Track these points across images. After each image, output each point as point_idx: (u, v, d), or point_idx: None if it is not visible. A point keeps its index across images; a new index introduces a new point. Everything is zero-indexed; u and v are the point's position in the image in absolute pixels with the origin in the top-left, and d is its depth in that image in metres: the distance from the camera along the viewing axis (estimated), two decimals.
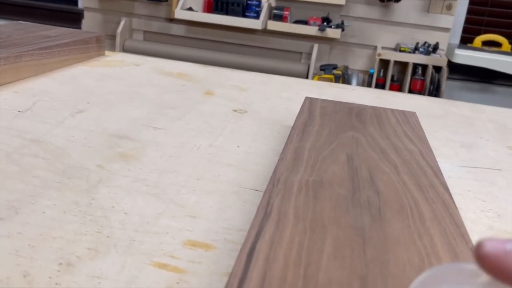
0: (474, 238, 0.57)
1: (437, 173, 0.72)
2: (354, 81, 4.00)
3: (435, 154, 0.78)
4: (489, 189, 0.84)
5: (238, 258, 0.48)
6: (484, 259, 0.27)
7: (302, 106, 0.99)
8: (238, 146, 0.90)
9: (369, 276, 0.48)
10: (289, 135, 0.82)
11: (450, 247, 0.54)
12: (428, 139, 0.86)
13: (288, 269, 0.47)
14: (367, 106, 1.03)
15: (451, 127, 1.15)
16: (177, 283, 0.53)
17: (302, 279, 0.46)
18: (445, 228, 0.58)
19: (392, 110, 1.02)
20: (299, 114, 0.93)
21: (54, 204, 0.65)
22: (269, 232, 0.53)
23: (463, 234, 0.57)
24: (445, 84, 3.55)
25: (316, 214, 0.58)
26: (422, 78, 3.70)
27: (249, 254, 0.48)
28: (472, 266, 0.29)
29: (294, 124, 0.87)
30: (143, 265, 0.55)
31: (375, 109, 1.01)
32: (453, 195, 0.66)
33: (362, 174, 0.69)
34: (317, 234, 0.53)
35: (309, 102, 1.01)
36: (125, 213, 0.64)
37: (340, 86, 1.46)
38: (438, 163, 0.76)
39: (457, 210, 0.63)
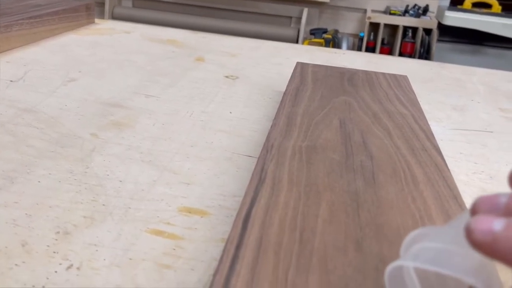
0: (467, 201, 0.58)
1: (429, 137, 0.73)
2: (344, 45, 3.98)
3: (427, 118, 0.79)
4: (481, 151, 0.84)
5: (234, 224, 0.48)
6: (477, 247, 0.27)
7: (293, 71, 0.98)
8: (231, 112, 0.90)
9: (364, 239, 0.48)
10: (282, 101, 0.82)
11: (443, 210, 0.54)
12: (419, 102, 0.86)
13: (284, 234, 0.47)
14: (358, 70, 1.03)
15: (443, 90, 1.15)
16: (174, 249, 0.53)
17: (298, 244, 0.46)
18: (438, 190, 0.58)
19: (384, 74, 1.02)
20: (290, 79, 0.93)
21: (49, 174, 0.65)
22: (264, 198, 0.53)
23: (456, 196, 0.57)
24: (436, 46, 3.54)
25: (310, 179, 0.58)
26: (412, 41, 3.68)
27: (245, 220, 0.49)
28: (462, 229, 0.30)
29: (286, 89, 0.87)
30: (140, 233, 0.55)
31: (366, 73, 1.01)
32: (445, 158, 0.67)
33: (355, 139, 0.70)
34: (312, 199, 0.54)
35: (301, 67, 1.01)
36: (120, 181, 0.65)
37: (331, 50, 1.46)
38: (430, 126, 0.76)
39: (450, 172, 0.63)
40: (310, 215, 0.51)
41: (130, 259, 0.51)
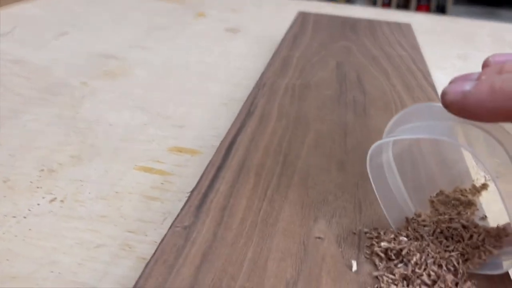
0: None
1: (426, 76, 0.71)
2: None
3: (430, 67, 0.76)
4: None
5: (218, 149, 0.47)
6: (449, 106, 0.30)
7: (294, 19, 0.97)
8: (229, 63, 0.89)
9: (348, 162, 0.47)
10: (278, 46, 0.80)
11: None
12: (424, 53, 0.83)
13: (268, 158, 0.46)
14: (362, 19, 1.01)
15: (449, 41, 1.12)
16: (162, 184, 0.52)
17: (281, 166, 0.45)
18: None
19: (388, 22, 0.99)
20: (290, 27, 0.91)
21: (37, 118, 0.64)
22: (251, 127, 0.52)
23: None
24: (451, 8, 3.48)
25: (300, 112, 0.57)
26: (427, 3, 3.62)
27: (229, 146, 0.48)
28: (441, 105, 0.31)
29: (284, 36, 0.86)
30: (127, 169, 0.55)
31: (369, 21, 0.99)
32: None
33: (350, 78, 0.68)
34: (300, 129, 0.53)
35: (302, 17, 0.99)
36: (110, 125, 0.64)
37: (341, 6, 1.43)
38: (434, 74, 0.74)
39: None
40: (296, 142, 0.50)
41: (117, 192, 0.51)
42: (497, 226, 0.35)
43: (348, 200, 0.41)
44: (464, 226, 0.35)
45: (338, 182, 0.43)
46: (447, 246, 0.34)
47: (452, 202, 0.39)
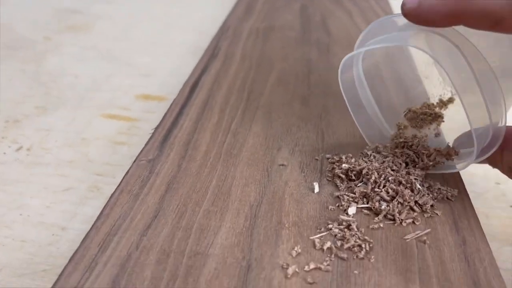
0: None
1: (389, 14, 0.71)
2: None
3: (393, 6, 0.76)
4: None
5: (181, 90, 0.47)
6: (407, 15, 0.31)
7: None
8: (195, 12, 0.88)
9: (311, 96, 0.47)
10: None
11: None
12: None
13: (231, 95, 0.47)
14: None
15: None
16: (129, 129, 0.52)
17: (245, 101, 0.46)
18: None
19: None
20: None
21: None
22: (215, 68, 0.52)
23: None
24: None
25: (264, 53, 0.57)
26: None
27: (192, 86, 0.48)
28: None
29: None
30: (94, 117, 0.55)
31: None
32: None
33: (315, 20, 0.68)
34: (263, 68, 0.53)
35: None
36: (75, 77, 0.63)
37: None
38: (396, 12, 0.74)
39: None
40: (260, 80, 0.50)
41: (83, 139, 0.51)
42: (448, 145, 0.36)
43: (311, 130, 0.41)
44: (415, 152, 0.36)
45: (301, 115, 0.44)
46: (406, 167, 0.35)
47: (420, 117, 0.40)
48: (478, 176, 0.49)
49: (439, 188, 0.35)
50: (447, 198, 0.34)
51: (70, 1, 0.91)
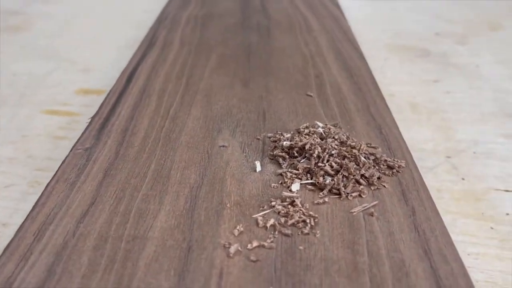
0: (364, 45, 0.58)
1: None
2: None
3: None
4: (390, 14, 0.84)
5: (119, 79, 0.47)
6: None
7: None
8: (135, 7, 0.87)
9: (252, 78, 0.47)
10: None
11: (335, 48, 0.54)
12: None
13: (170, 82, 0.46)
14: None
15: None
16: (69, 124, 0.52)
17: (183, 87, 0.45)
18: (333, 36, 0.58)
19: None
20: None
21: None
22: (152, 57, 0.51)
23: (351, 40, 0.57)
24: None
25: (203, 39, 0.57)
26: None
27: (130, 75, 0.47)
28: None
29: None
30: (35, 114, 0.54)
31: None
32: (350, 21, 0.66)
33: (254, 5, 0.68)
34: (202, 53, 0.53)
35: None
36: (14, 75, 0.62)
37: None
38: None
39: (346, 21, 0.63)
40: (199, 66, 0.50)
41: (24, 136, 0.49)
42: None
43: (252, 111, 0.41)
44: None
45: (242, 96, 0.43)
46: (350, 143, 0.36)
47: None
48: (427, 151, 0.50)
49: (385, 160, 0.35)
50: (394, 170, 0.34)
51: (7, 2, 0.89)
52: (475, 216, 0.41)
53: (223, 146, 0.36)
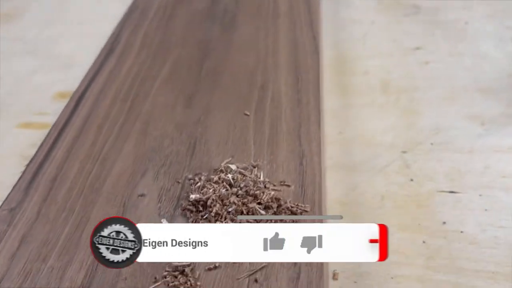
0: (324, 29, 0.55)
1: None
2: None
3: None
4: None
5: (67, 105, 0.47)
6: None
7: None
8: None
9: (198, 93, 0.47)
10: None
11: (293, 41, 0.52)
12: None
13: (115, 105, 0.46)
14: None
15: None
16: (41, 139, 0.53)
17: (126, 111, 0.45)
18: (296, 19, 0.56)
19: None
20: None
21: None
22: (107, 69, 0.51)
23: (312, 22, 0.55)
24: None
25: (166, 35, 0.56)
26: None
27: (78, 99, 0.48)
28: None
29: None
30: (10, 129, 0.55)
31: None
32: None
33: None
34: (158, 59, 0.52)
35: None
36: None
37: None
38: None
39: (319, 2, 0.60)
40: (150, 77, 0.50)
41: None
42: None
43: (184, 141, 0.41)
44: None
45: (180, 121, 0.43)
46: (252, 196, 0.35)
47: None
48: (384, 146, 0.49)
49: (288, 207, 0.35)
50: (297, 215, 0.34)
51: None
52: (411, 228, 0.41)
53: (142, 195, 0.37)
